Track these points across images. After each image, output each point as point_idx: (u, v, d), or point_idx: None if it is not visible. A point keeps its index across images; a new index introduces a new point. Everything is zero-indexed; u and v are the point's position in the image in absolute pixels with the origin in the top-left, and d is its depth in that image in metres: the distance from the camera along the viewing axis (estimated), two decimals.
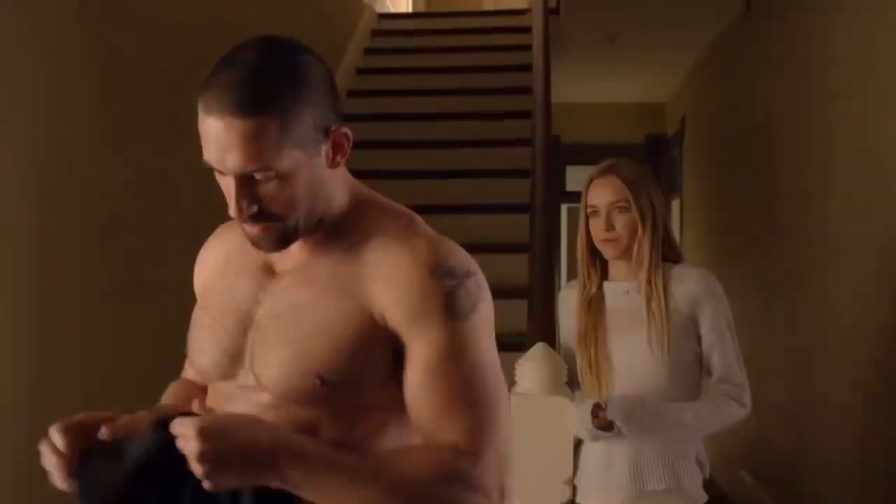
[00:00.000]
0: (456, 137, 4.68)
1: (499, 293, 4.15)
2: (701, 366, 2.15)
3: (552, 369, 2.14)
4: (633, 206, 2.12)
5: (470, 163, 4.50)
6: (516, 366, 2.23)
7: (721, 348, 2.10)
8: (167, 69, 2.75)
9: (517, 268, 3.58)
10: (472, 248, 4.53)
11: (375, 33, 6.06)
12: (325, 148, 1.14)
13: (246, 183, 1.10)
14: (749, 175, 5.13)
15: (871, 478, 3.18)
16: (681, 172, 7.15)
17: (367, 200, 1.24)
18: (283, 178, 1.10)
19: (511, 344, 3.04)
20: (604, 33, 5.81)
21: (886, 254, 3.10)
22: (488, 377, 1.15)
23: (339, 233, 1.20)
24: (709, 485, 2.21)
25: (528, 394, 2.14)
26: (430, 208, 4.22)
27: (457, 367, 1.12)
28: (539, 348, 2.17)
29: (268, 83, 1.07)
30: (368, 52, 5.76)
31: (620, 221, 2.13)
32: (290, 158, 1.09)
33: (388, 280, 1.13)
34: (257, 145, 1.06)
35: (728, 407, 2.08)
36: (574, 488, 2.18)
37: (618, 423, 2.05)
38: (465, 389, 1.12)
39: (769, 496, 4.40)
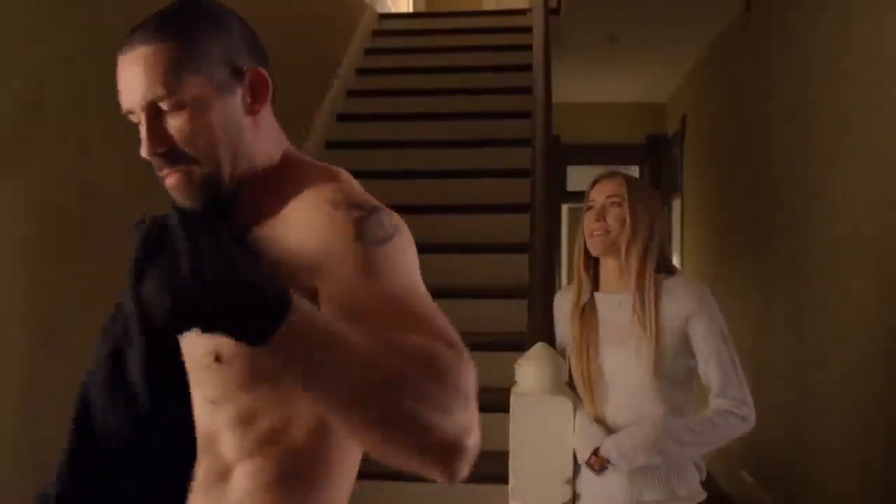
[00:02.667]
0: (456, 137, 4.68)
1: (499, 293, 4.18)
2: (693, 380, 2.14)
3: (552, 369, 2.14)
4: (627, 203, 2.13)
5: (470, 163, 4.51)
6: (516, 365, 2.23)
7: (717, 362, 2.07)
8: None
9: (517, 268, 3.59)
10: (473, 248, 4.55)
11: (376, 33, 6.06)
12: (240, 90, 1.12)
13: (153, 117, 1.07)
14: (749, 174, 5.13)
15: (870, 477, 3.18)
16: (681, 172, 7.15)
17: (298, 160, 1.19)
18: (193, 109, 1.07)
19: (511, 343, 3.05)
20: (604, 33, 5.82)
21: (887, 253, 3.11)
22: (426, 300, 1.01)
23: (268, 191, 1.13)
24: (709, 484, 2.21)
25: (528, 394, 2.14)
26: (431, 208, 4.28)
27: (381, 290, 0.97)
28: (539, 348, 2.18)
29: (171, 17, 1.08)
30: (369, 52, 5.76)
31: (612, 214, 2.14)
32: (193, 86, 1.07)
33: (297, 228, 1.05)
34: (158, 69, 1.05)
35: (726, 422, 2.06)
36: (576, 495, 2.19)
37: (614, 462, 2.05)
38: (404, 308, 0.96)
39: (769, 496, 4.40)
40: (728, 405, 2.07)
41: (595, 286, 2.21)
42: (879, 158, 3.17)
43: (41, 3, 2.17)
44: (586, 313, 2.18)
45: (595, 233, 2.15)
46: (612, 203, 2.15)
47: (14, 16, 2.07)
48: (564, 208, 8.31)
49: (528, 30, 5.22)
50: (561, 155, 7.52)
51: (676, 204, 7.36)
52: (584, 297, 2.19)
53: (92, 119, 2.36)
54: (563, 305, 2.28)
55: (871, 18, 3.31)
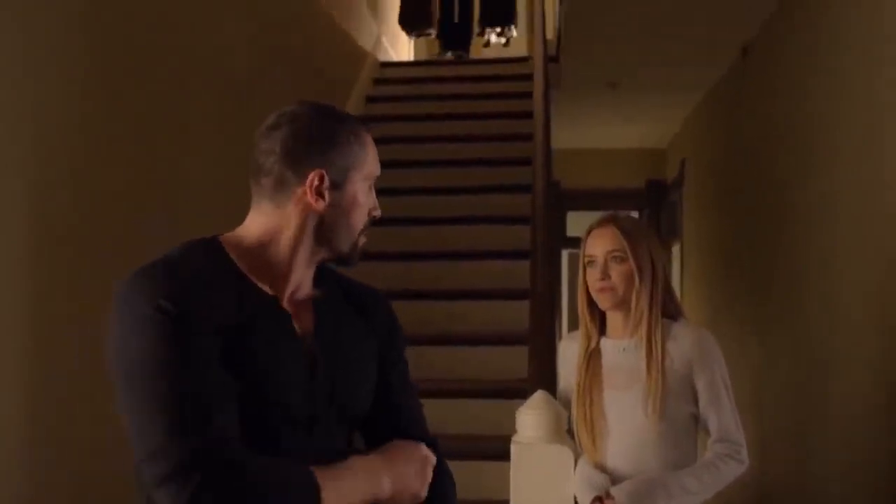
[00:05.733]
0: (457, 184, 4.71)
1: (500, 340, 4.16)
2: (696, 426, 2.13)
3: (553, 417, 2.13)
4: (630, 257, 2.11)
5: (471, 209, 4.53)
6: (517, 413, 2.22)
7: (718, 408, 2.07)
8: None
9: (518, 314, 3.58)
10: (474, 295, 4.54)
11: (377, 81, 6.13)
12: None
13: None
14: (747, 219, 5.15)
15: None
16: (681, 217, 7.18)
17: None
18: None
19: (512, 391, 3.04)
20: (604, 80, 5.88)
21: (886, 293, 3.11)
22: None
23: None
24: None
25: (529, 442, 2.13)
26: (433, 255, 4.29)
27: None
28: (540, 396, 2.16)
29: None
30: (370, 99, 5.82)
31: (616, 271, 2.11)
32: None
33: None
34: None
35: (727, 466, 2.07)
36: None
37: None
38: None
39: None
40: (727, 450, 2.07)
41: (601, 332, 2.20)
42: (880, 198, 3.19)
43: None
44: (593, 358, 2.17)
45: (602, 290, 2.13)
46: (614, 258, 2.12)
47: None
48: (565, 254, 8.30)
49: (529, 77, 5.27)
50: (561, 200, 7.55)
51: (676, 249, 7.37)
52: (593, 344, 2.18)
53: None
54: (569, 353, 2.26)
55: (864, 66, 3.36)
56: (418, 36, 7.03)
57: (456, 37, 6.55)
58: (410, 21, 6.67)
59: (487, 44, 6.73)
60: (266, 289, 1.22)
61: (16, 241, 2.10)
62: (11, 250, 2.08)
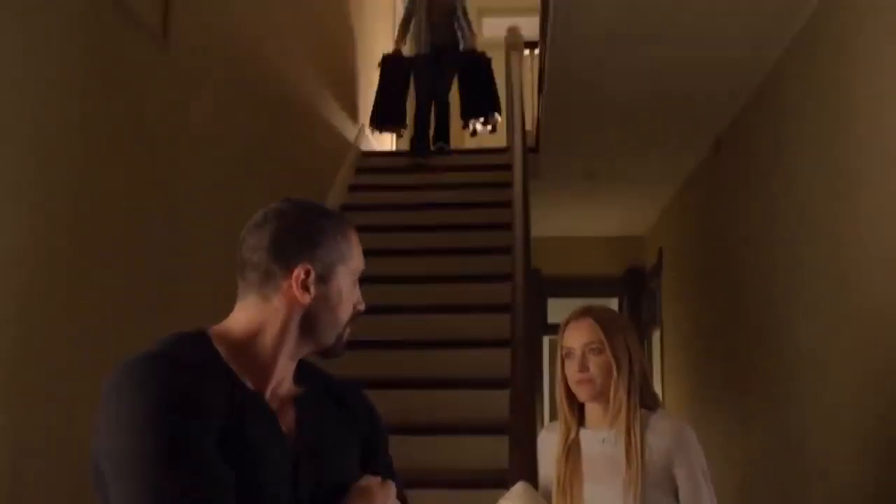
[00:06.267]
0: (438, 272, 4.74)
1: (480, 429, 4.12)
2: None
3: None
4: (608, 348, 2.13)
5: (451, 298, 4.55)
6: None
7: (698, 499, 2.08)
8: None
9: (499, 403, 3.57)
10: (454, 383, 4.51)
11: (360, 170, 6.21)
12: None
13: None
14: (723, 306, 5.20)
15: None
16: (660, 304, 7.22)
17: None
18: None
19: (492, 481, 3.01)
20: (582, 170, 5.99)
21: (861, 370, 3.13)
22: None
23: None
24: None
25: None
26: (413, 343, 4.28)
27: None
28: (520, 487, 2.15)
29: None
30: (353, 188, 5.88)
31: (594, 363, 2.13)
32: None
33: None
34: None
35: None
36: None
37: None
38: None
39: None
40: None
41: (580, 423, 2.21)
42: (844, 277, 3.29)
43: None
44: (572, 450, 2.17)
45: (580, 382, 2.14)
46: (592, 350, 2.14)
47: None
48: (545, 340, 8.32)
49: (508, 167, 5.36)
50: (541, 288, 7.59)
51: (656, 336, 7.40)
52: (572, 435, 2.18)
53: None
54: (549, 444, 2.26)
55: (831, 157, 3.47)
56: (391, 133, 6.94)
57: (427, 145, 6.33)
58: (381, 121, 6.58)
59: (474, 133, 6.74)
60: (249, 384, 1.22)
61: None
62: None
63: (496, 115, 6.55)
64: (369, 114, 6.58)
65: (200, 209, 3.18)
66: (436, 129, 6.40)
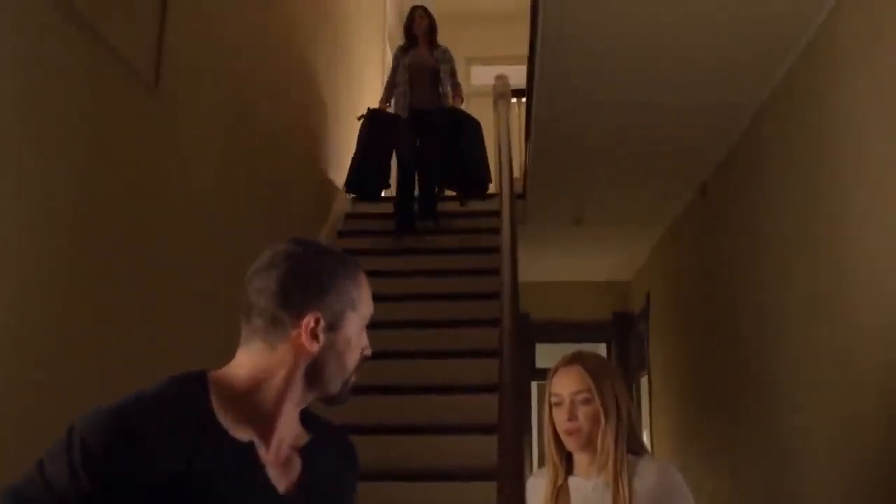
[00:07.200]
0: (426, 318, 4.75)
1: (468, 474, 4.09)
2: None
3: None
4: (596, 396, 2.13)
5: (439, 343, 4.55)
6: None
7: None
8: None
9: (488, 448, 3.56)
10: (442, 430, 4.50)
11: (349, 216, 6.23)
12: None
13: None
14: (712, 350, 5.21)
15: None
16: (648, 349, 7.24)
17: None
18: None
19: None
20: (569, 216, 6.03)
21: (849, 406, 3.14)
22: None
23: None
24: None
25: None
26: (400, 388, 4.27)
27: None
28: None
29: None
30: (342, 234, 5.91)
31: (583, 412, 2.13)
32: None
33: None
34: None
35: None
36: None
37: None
38: None
39: None
40: None
41: (568, 469, 2.21)
42: (829, 315, 3.33)
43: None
44: (560, 497, 2.17)
45: (569, 433, 2.14)
46: (582, 400, 2.14)
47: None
48: (534, 385, 8.31)
49: (496, 214, 5.40)
50: (529, 333, 7.59)
51: (644, 380, 7.40)
52: (559, 482, 2.18)
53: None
54: (537, 490, 2.26)
55: (809, 202, 3.52)
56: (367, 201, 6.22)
57: (411, 219, 5.79)
58: (359, 186, 6.01)
59: (464, 203, 6.18)
60: (246, 434, 1.18)
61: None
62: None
63: (487, 184, 6.07)
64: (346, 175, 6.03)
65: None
66: (421, 203, 5.93)
